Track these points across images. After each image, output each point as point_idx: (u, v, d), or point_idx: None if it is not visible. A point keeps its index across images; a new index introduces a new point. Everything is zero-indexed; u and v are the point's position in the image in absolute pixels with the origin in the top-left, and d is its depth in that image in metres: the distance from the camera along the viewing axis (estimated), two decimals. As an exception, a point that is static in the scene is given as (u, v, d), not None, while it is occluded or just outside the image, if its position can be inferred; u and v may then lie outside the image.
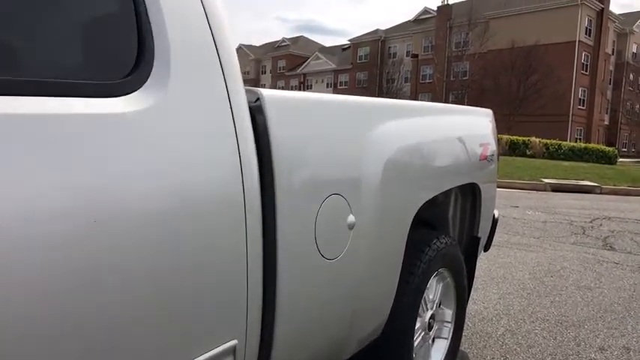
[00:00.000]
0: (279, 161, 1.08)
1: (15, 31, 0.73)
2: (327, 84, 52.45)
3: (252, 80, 56.68)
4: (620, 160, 23.96)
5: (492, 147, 2.36)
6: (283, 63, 57.70)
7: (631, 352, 2.57)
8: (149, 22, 0.87)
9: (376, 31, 48.05)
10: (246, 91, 1.09)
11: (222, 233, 0.95)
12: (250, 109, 1.07)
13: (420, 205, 1.61)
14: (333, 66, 52.04)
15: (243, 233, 0.98)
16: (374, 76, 44.96)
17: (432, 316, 1.98)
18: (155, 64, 0.87)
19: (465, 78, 38.01)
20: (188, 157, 0.88)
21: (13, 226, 0.64)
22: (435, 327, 2.04)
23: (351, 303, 1.36)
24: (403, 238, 1.54)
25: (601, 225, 6.15)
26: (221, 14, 1.03)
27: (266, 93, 1.10)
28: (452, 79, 38.72)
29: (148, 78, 0.86)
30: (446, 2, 41.40)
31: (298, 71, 55.46)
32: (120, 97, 0.82)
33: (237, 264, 0.98)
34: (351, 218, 1.30)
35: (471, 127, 2.24)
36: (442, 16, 40.74)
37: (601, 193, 9.67)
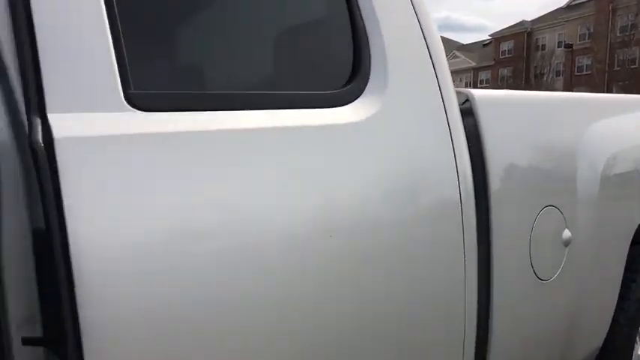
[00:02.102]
0: (492, 168, 0.97)
1: (250, 52, 0.76)
2: (466, 83, 49.92)
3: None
4: None
5: None
6: (418, 65, 56.36)
7: None
8: (366, 35, 0.84)
9: (521, 23, 44.29)
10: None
11: (442, 243, 0.88)
12: (460, 111, 0.98)
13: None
14: (473, 64, 49.32)
15: (460, 244, 0.90)
16: (519, 72, 41.49)
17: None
18: (372, 74, 0.84)
19: (633, 66, 32.87)
20: (409, 164, 0.83)
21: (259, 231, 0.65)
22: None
23: (566, 324, 1.19)
24: (623, 254, 1.31)
25: None
26: (430, 16, 0.96)
27: (476, 93, 1.00)
28: (616, 68, 33.80)
29: (365, 87, 0.83)
30: (608, -19, 36.37)
31: (434, 72, 53.62)
32: (341, 107, 0.80)
33: (455, 275, 0.90)
34: (566, 233, 1.12)
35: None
36: (603, -2, 35.84)
37: None
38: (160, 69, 0.72)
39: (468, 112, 0.99)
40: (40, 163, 0.51)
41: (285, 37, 0.84)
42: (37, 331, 0.61)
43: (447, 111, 0.92)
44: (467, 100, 1.00)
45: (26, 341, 0.60)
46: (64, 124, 0.54)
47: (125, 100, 0.59)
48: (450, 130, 0.91)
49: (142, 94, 0.61)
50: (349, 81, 0.83)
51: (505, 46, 45.53)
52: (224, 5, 0.80)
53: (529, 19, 44.74)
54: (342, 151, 0.75)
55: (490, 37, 48.14)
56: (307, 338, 0.70)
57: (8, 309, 0.60)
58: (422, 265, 0.85)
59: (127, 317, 0.57)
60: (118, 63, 0.59)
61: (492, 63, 46.60)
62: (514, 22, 46.25)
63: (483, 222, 0.96)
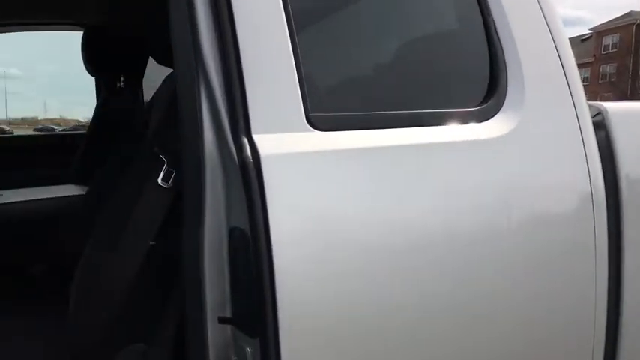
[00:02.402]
0: (623, 182, 0.98)
1: (404, 75, 0.86)
2: (562, 81, 46.39)
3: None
4: None
5: None
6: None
7: None
8: (502, 50, 0.90)
9: (629, 14, 40.25)
10: (586, 105, 1.03)
11: (574, 254, 0.92)
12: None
13: None
14: (570, 61, 45.76)
15: (592, 256, 0.93)
16: (625, 68, 37.79)
17: None
18: (509, 89, 0.90)
19: None
20: (545, 176, 0.89)
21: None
22: None
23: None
24: None
25: None
26: (562, 28, 0.99)
27: (609, 106, 1.01)
28: None
29: (503, 103, 0.89)
30: None
31: (526, 70, 50.60)
32: (481, 123, 0.87)
33: (586, 286, 0.94)
34: None
35: None
36: None
37: None
38: (331, 94, 0.84)
39: (599, 125, 1.00)
40: (250, 177, 0.64)
41: (430, 59, 0.92)
42: (227, 313, 0.75)
43: (581, 124, 0.94)
44: (599, 113, 1.01)
45: (221, 320, 0.74)
46: (265, 143, 0.67)
47: (306, 121, 0.71)
48: (583, 143, 0.94)
49: (319, 117, 0.73)
50: (487, 97, 0.89)
51: (608, 41, 41.64)
52: (382, 39, 0.91)
53: (638, 10, 40.52)
54: (485, 165, 0.82)
55: (590, 32, 44.34)
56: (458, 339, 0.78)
57: (206, 293, 0.74)
58: (555, 276, 0.89)
59: (314, 310, 0.68)
60: (300, 90, 0.71)
61: (592, 59, 42.87)
62: (618, 14, 42.10)
63: (614, 235, 0.97)
